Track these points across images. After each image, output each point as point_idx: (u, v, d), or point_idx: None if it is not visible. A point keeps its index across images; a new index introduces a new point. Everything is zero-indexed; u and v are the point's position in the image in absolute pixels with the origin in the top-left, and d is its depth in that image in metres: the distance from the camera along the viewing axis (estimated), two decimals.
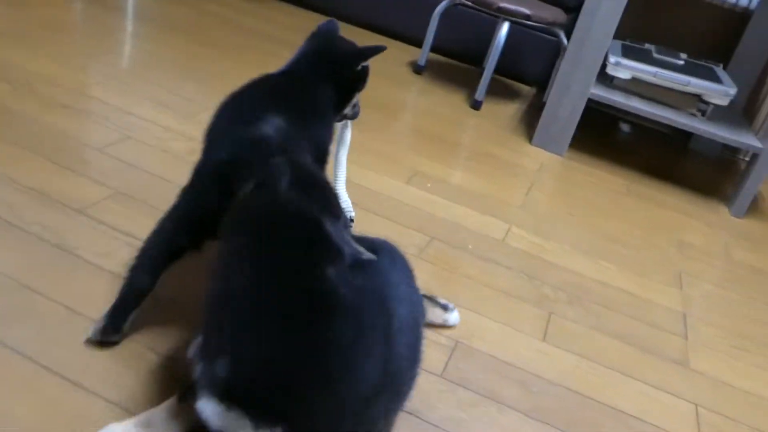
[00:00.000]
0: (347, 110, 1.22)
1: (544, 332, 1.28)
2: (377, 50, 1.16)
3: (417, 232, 1.51)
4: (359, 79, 1.18)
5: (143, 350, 0.99)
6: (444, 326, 1.21)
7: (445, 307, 1.22)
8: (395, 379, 0.81)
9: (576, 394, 1.14)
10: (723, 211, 2.16)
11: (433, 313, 1.21)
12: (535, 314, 1.33)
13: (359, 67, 1.17)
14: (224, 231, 0.88)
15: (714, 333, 1.44)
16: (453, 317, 1.22)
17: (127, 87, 1.86)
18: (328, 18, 1.24)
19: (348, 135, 1.28)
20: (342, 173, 1.28)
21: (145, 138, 1.61)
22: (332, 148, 1.15)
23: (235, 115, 1.02)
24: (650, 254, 1.71)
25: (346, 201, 1.29)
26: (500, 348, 1.20)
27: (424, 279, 1.33)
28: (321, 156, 1.11)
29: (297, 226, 0.82)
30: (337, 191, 1.28)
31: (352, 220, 1.29)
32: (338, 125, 1.26)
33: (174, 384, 0.94)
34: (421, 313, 0.95)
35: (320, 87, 1.14)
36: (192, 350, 0.81)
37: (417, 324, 0.87)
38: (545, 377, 1.16)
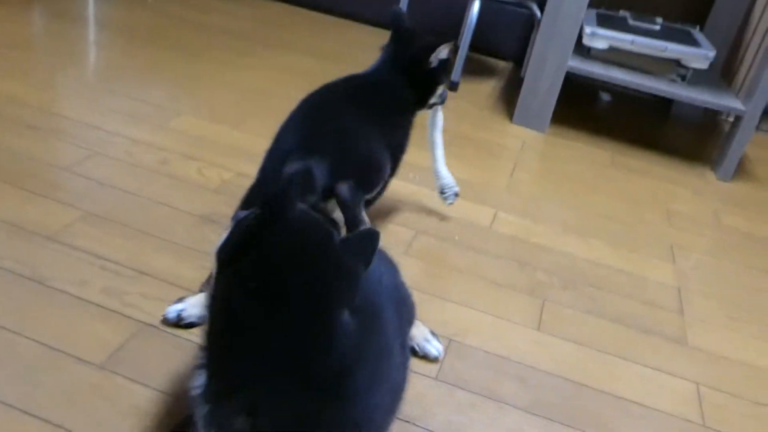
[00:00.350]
0: (433, 100, 1.36)
1: (538, 321, 1.25)
2: (440, 43, 1.25)
3: (402, 227, 1.48)
4: (437, 73, 1.29)
5: (131, 385, 0.95)
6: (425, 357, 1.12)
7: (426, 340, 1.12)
8: (396, 397, 0.79)
9: (574, 384, 1.12)
10: (709, 175, 2.14)
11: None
12: (529, 303, 1.30)
13: (434, 63, 1.27)
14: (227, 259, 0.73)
15: (709, 305, 1.42)
16: (433, 348, 1.11)
17: (93, 100, 1.80)
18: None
19: (440, 117, 1.45)
20: (440, 153, 1.46)
21: (115, 153, 1.56)
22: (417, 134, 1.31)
23: (309, 116, 1.19)
24: (640, 228, 1.69)
25: (447, 177, 1.47)
26: (495, 342, 1.18)
27: (413, 276, 1.30)
28: (397, 152, 1.30)
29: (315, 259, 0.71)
30: (438, 170, 1.47)
31: (456, 195, 1.48)
32: (428, 111, 1.42)
33: (166, 420, 0.91)
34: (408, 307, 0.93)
35: (396, 86, 1.28)
36: (195, 387, 0.72)
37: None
38: (543, 369, 1.14)
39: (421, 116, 1.41)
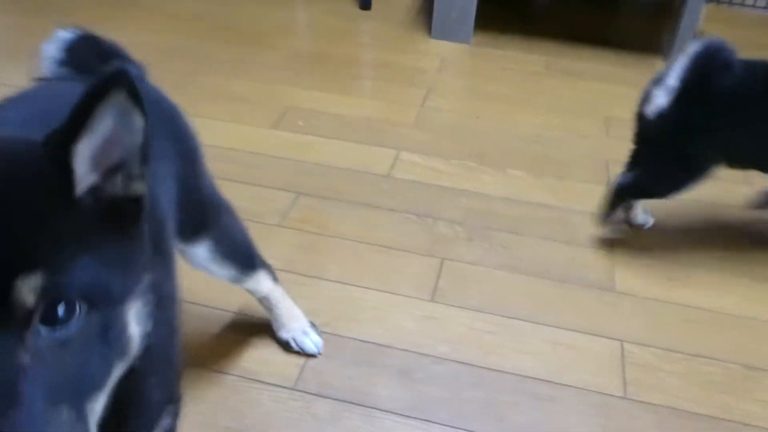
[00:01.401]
0: None
1: (433, 289, 1.05)
2: None
3: (280, 191, 1.25)
4: None
5: None
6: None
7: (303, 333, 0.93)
8: None
9: (470, 368, 0.92)
10: (660, 65, 1.86)
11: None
12: (424, 266, 1.09)
13: None
14: None
15: (645, 233, 1.20)
16: (311, 343, 0.92)
17: None
18: None
19: None
20: None
21: None
22: None
23: None
24: (572, 146, 1.45)
25: None
26: (376, 327, 0.97)
27: (284, 255, 1.08)
28: None
29: None
30: None
31: None
32: None
33: None
34: None
35: None
36: None
37: None
38: (432, 354, 0.94)
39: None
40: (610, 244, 1.16)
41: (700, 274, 1.11)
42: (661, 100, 1.02)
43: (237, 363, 0.91)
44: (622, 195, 1.14)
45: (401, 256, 1.11)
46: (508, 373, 0.92)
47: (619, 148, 1.46)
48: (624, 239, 1.18)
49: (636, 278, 1.09)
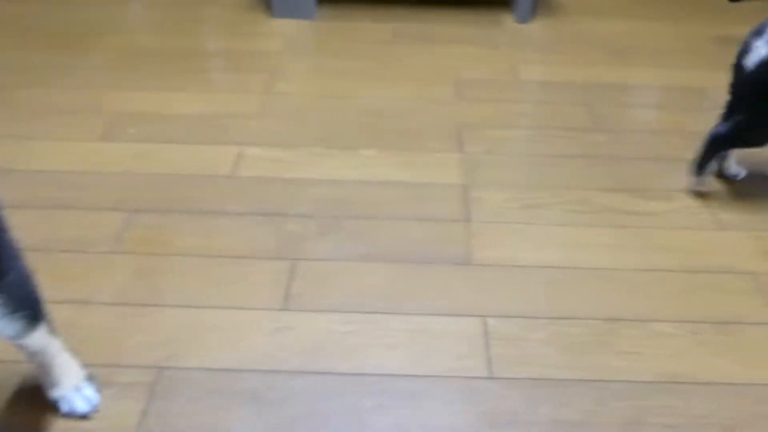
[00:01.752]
0: None
1: (285, 296, 0.97)
2: None
3: (112, 212, 1.12)
4: None
5: None
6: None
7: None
8: None
9: (328, 377, 0.86)
10: (508, 21, 1.86)
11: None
12: (275, 272, 1.01)
13: None
14: None
15: (501, 198, 1.18)
16: (82, 401, 0.80)
17: None
18: None
19: None
20: None
21: None
22: None
23: None
24: (423, 115, 1.41)
25: None
26: (225, 351, 0.89)
27: (119, 285, 0.97)
28: None
29: None
30: None
31: None
32: None
33: None
34: None
35: None
36: None
37: None
38: (287, 369, 0.87)
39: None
40: (466, 216, 1.13)
41: (557, 232, 1.10)
42: (763, 50, 1.05)
43: (64, 423, 0.80)
44: (718, 145, 1.15)
45: (249, 265, 1.02)
46: (370, 374, 0.86)
47: (470, 111, 1.44)
48: (483, 205, 1.15)
49: (494, 247, 1.07)
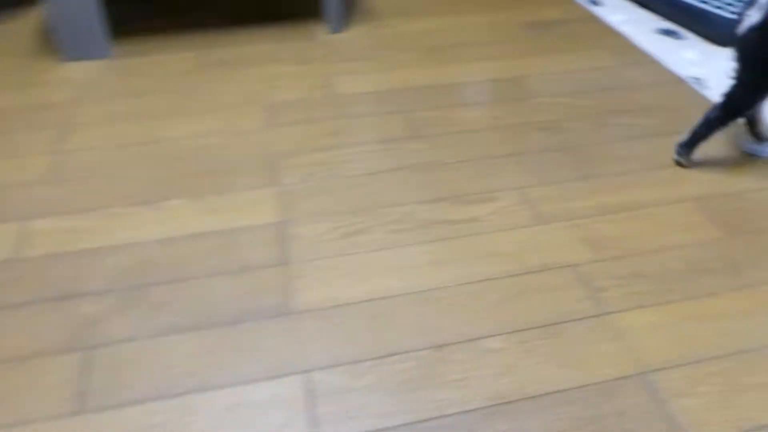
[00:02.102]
0: None
1: (80, 396, 0.84)
2: None
3: None
4: None
5: None
6: None
7: None
8: None
9: None
10: (320, 32, 1.79)
11: None
12: (65, 368, 0.88)
13: None
14: None
15: (320, 230, 1.11)
16: None
17: None
18: None
19: None
20: None
21: None
22: None
23: None
24: (233, 150, 1.31)
25: None
26: None
27: None
28: None
29: None
30: None
31: None
32: None
33: None
34: None
35: None
36: None
37: None
38: None
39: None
40: (283, 259, 1.05)
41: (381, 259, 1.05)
42: (754, 17, 1.10)
43: None
44: (731, 107, 1.18)
45: (34, 366, 0.88)
46: None
47: (284, 137, 1.36)
48: (301, 241, 1.07)
49: (315, 289, 0.99)
